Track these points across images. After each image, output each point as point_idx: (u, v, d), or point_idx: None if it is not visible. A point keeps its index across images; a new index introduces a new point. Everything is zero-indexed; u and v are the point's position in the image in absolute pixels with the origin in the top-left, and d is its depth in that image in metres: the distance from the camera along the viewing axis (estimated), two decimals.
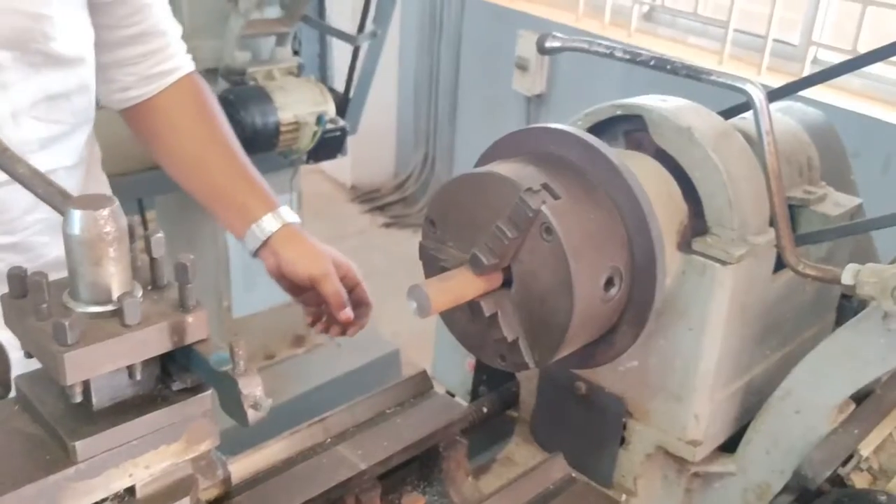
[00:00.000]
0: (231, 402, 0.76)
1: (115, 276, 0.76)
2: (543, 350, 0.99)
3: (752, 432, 1.16)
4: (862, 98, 3.00)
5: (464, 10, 4.69)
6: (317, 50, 3.16)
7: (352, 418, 1.14)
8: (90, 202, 0.75)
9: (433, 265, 1.04)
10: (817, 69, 3.14)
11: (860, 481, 1.11)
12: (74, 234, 0.74)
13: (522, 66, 4.15)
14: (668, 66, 1.10)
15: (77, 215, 0.74)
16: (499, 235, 0.95)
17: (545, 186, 0.95)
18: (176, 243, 3.13)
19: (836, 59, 3.16)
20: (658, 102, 1.14)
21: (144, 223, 3.15)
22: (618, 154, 1.01)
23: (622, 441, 1.20)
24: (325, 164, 3.43)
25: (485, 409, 1.30)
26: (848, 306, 1.37)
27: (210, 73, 2.91)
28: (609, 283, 0.98)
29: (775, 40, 3.29)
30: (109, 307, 0.76)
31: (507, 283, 1.00)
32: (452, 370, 1.44)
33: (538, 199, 0.93)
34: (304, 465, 1.05)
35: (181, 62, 1.41)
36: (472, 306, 0.98)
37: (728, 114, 1.24)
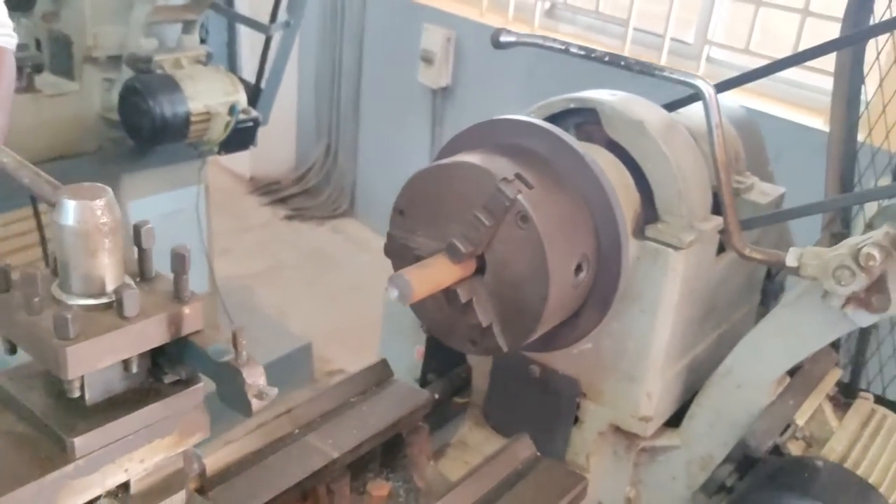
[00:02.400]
0: (232, 392, 0.75)
1: (108, 268, 0.74)
2: (516, 334, 1.03)
3: (696, 407, 1.24)
4: (750, 94, 3.17)
5: (366, 2, 4.67)
6: (225, 38, 3.08)
7: (318, 408, 1.15)
8: (83, 192, 0.73)
9: (405, 253, 1.06)
10: (711, 66, 3.37)
11: (795, 449, 1.21)
12: (69, 225, 0.72)
13: (428, 59, 4.18)
14: (622, 63, 1.15)
15: (72, 205, 0.72)
16: (475, 224, 0.97)
17: (518, 176, 0.98)
18: None
19: (729, 57, 3.35)
20: (608, 96, 1.19)
21: None
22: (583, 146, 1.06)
23: (575, 420, 1.25)
24: (223, 156, 3.36)
25: (436, 396, 1.33)
26: (770, 287, 1.47)
27: (113, 60, 2.80)
28: (578, 268, 1.02)
29: (672, 39, 3.45)
30: (104, 300, 0.74)
31: (479, 271, 1.02)
32: (400, 357, 1.46)
33: (514, 188, 0.96)
34: (277, 456, 1.05)
35: None
36: (448, 293, 1.01)
37: (670, 107, 1.31)
